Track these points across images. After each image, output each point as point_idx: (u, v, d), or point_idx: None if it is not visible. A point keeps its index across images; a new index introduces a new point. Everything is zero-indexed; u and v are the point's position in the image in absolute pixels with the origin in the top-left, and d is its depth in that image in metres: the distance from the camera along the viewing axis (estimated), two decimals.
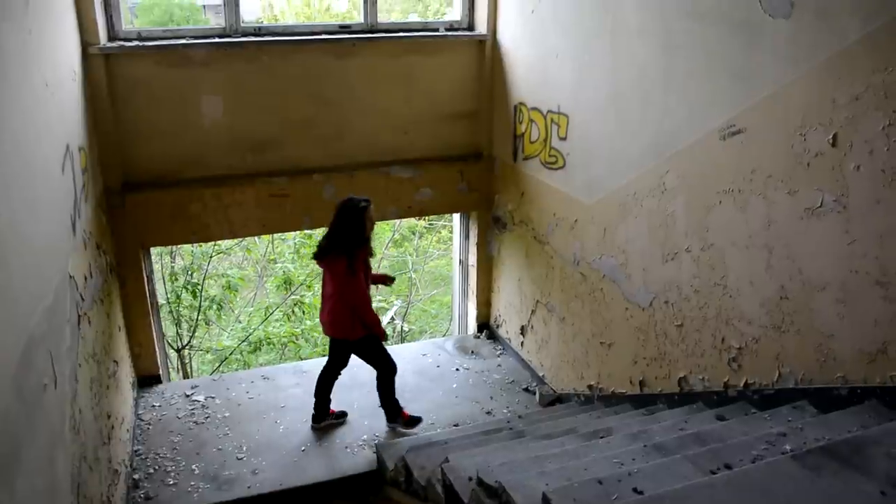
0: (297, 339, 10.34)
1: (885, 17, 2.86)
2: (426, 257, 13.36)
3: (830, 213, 3.20)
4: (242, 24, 5.59)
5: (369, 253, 5.05)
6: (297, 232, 9.97)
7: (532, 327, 6.20)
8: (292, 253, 11.00)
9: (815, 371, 3.42)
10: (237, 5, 5.55)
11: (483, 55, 6.10)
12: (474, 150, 6.43)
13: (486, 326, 7.11)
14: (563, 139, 5.19)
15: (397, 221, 11.92)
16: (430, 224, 13.23)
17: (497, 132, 6.26)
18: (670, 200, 4.14)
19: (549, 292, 5.77)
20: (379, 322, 5.15)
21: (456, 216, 7.09)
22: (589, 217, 5.01)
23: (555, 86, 5.23)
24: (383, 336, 5.23)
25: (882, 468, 2.39)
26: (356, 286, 4.92)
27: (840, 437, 2.79)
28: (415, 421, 5.58)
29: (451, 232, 10.01)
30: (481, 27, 6.06)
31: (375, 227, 5.15)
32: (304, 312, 10.47)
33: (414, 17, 13.89)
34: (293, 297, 10.68)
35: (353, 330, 5.09)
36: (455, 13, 6.21)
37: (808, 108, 3.23)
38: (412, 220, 12.41)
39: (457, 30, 6.12)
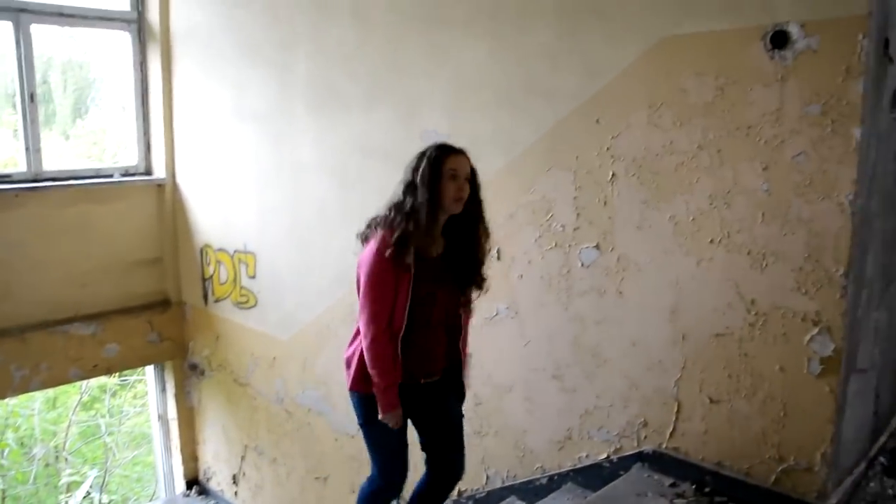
0: None
1: (520, 150, 3.33)
2: (122, 417, 12.24)
3: (506, 319, 3.53)
4: None
5: (441, 256, 2.90)
6: None
7: (244, 474, 5.90)
8: None
9: (517, 467, 3.66)
10: None
11: (163, 199, 5.93)
12: (163, 298, 6.13)
13: (195, 482, 6.62)
14: (253, 278, 5.17)
15: (84, 382, 10.84)
16: (123, 380, 12.21)
17: (185, 277, 6.06)
18: None
19: (257, 435, 5.56)
20: (391, 388, 2.84)
21: (149, 369, 6.63)
22: (287, 353, 4.98)
23: (239, 225, 5.23)
24: (387, 408, 2.85)
25: None
26: (377, 295, 2.77)
27: None
28: None
29: (147, 385, 9.33)
30: (159, 171, 5.91)
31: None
32: None
33: (88, 164, 13.19)
34: None
35: (349, 374, 2.98)
36: (131, 157, 6.01)
37: None
38: (103, 378, 11.37)
39: (133, 175, 5.91)
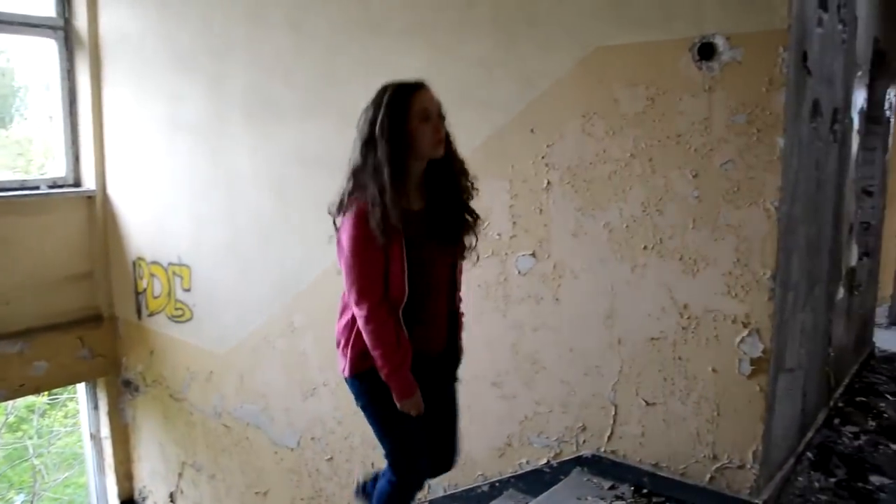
0: None
1: None
2: (52, 437, 11.84)
3: None
4: None
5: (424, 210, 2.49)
6: None
7: (182, 492, 5.76)
8: None
9: (458, 475, 3.65)
10: None
11: (94, 212, 5.76)
12: (94, 313, 5.95)
13: (130, 502, 6.44)
14: (188, 291, 5.07)
15: (9, 402, 10.46)
16: (53, 398, 11.83)
17: (117, 291, 5.90)
18: (301, 338, 4.23)
19: (195, 451, 5.45)
20: (401, 370, 2.40)
21: (80, 386, 6.43)
22: (225, 366, 4.89)
23: (174, 237, 5.13)
24: (404, 393, 2.41)
25: None
26: (363, 268, 2.35)
27: None
28: None
29: (79, 403, 9.05)
30: (89, 183, 5.74)
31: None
32: None
33: (13, 175, 12.77)
34: None
35: (345, 356, 2.51)
36: (59, 169, 5.83)
37: None
38: (31, 397, 10.99)
39: (62, 186, 5.73)
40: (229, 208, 4.61)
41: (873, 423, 3.77)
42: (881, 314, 5.56)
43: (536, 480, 3.37)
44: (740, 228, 2.76)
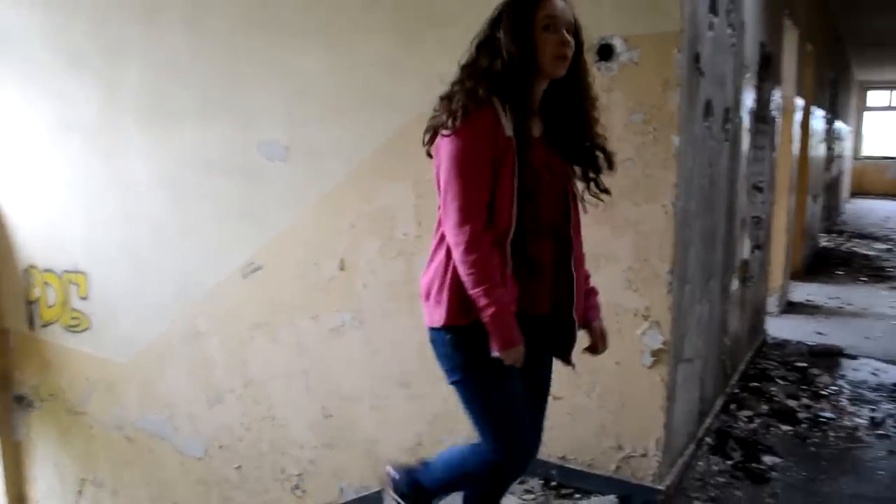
0: None
1: (360, 160, 3.34)
2: None
3: (351, 329, 3.51)
4: None
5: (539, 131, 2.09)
6: None
7: None
8: None
9: (370, 477, 3.65)
10: None
11: None
12: None
13: None
14: (85, 299, 4.86)
15: None
16: None
17: (7, 301, 5.59)
18: (206, 344, 4.12)
19: (96, 466, 5.23)
20: (507, 311, 1.95)
21: None
22: (126, 376, 4.71)
23: (68, 244, 4.90)
24: (507, 340, 1.94)
25: None
26: (468, 185, 1.94)
27: None
28: None
29: None
30: None
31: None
32: None
33: None
34: None
35: (439, 302, 2.05)
36: None
37: (316, 240, 3.54)
38: None
39: None
40: (127, 212, 4.44)
41: (766, 407, 3.95)
42: (772, 303, 5.83)
43: None
44: (639, 224, 2.85)
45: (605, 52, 2.84)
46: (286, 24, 3.60)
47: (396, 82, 3.31)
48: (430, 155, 2.07)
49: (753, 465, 3.33)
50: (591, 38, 2.83)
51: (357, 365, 3.56)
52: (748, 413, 3.88)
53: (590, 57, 2.82)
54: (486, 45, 2.01)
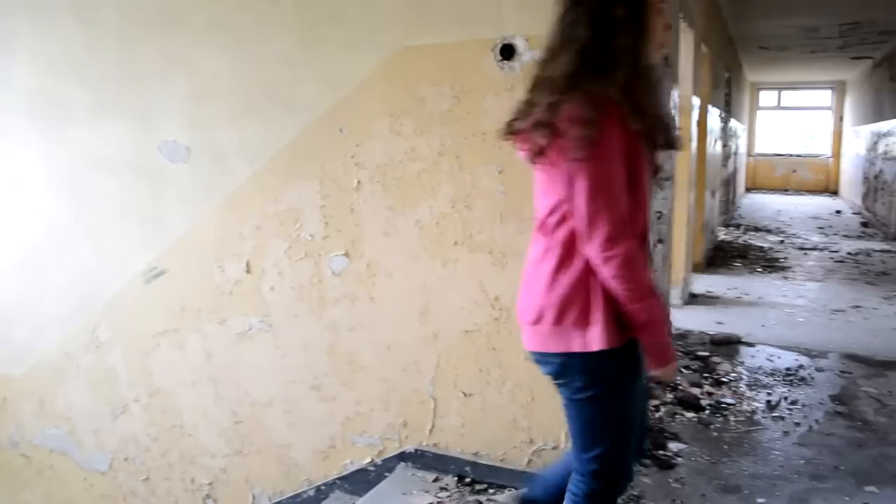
0: None
1: (264, 160, 3.28)
2: None
3: (259, 333, 3.45)
4: None
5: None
6: None
7: None
8: None
9: (284, 482, 3.61)
10: None
11: None
12: None
13: None
14: None
15: None
16: None
17: None
18: (107, 353, 3.96)
19: None
20: (664, 322, 2.09)
21: None
22: (21, 390, 4.48)
23: None
24: (669, 354, 1.88)
25: None
26: (616, 192, 1.74)
27: None
28: None
29: None
30: None
31: None
32: None
33: None
34: None
35: (588, 326, 1.83)
36: None
37: (220, 242, 3.46)
38: None
39: None
40: (18, 217, 4.22)
41: (671, 396, 4.08)
42: (675, 295, 6.02)
43: (362, 480, 3.37)
44: None
45: (508, 51, 2.88)
46: (187, 18, 3.48)
47: (299, 81, 3.26)
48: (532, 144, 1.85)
49: (660, 452, 3.43)
50: (494, 38, 2.88)
51: (266, 369, 3.50)
52: (654, 402, 4.00)
53: (491, 56, 2.87)
54: (600, 21, 1.74)
